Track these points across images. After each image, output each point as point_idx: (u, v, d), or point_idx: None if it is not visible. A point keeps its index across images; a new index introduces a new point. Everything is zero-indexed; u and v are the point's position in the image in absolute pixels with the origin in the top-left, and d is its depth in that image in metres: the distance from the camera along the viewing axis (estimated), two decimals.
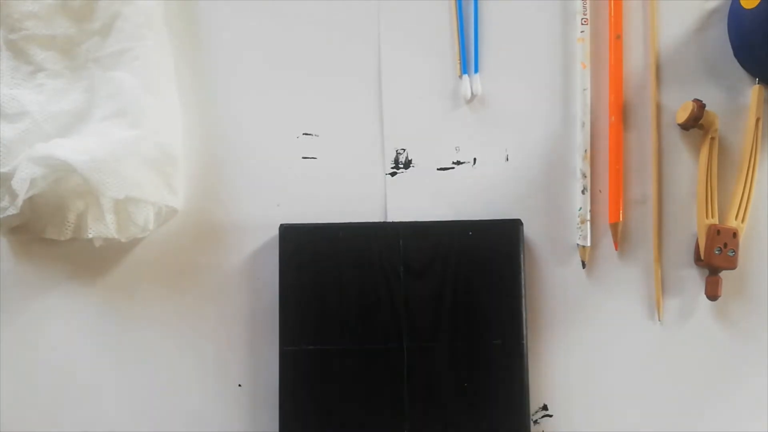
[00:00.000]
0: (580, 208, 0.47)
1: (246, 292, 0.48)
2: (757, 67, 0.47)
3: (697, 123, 0.46)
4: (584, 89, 0.48)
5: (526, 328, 0.46)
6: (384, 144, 0.49)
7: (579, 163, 0.48)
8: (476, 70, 0.49)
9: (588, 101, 0.48)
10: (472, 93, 0.49)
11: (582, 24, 0.48)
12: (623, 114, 0.48)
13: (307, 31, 0.49)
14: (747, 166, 0.47)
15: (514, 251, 0.46)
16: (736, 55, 0.48)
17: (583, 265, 0.48)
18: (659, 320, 0.48)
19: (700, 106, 0.46)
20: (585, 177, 0.47)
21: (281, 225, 0.46)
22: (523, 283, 0.46)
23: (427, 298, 0.45)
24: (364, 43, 0.49)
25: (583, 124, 0.48)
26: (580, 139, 0.48)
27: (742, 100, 0.49)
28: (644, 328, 0.48)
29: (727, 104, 0.49)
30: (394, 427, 0.45)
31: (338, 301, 0.45)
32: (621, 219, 0.47)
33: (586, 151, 0.48)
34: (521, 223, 0.46)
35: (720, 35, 0.49)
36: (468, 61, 0.49)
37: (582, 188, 0.47)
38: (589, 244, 0.47)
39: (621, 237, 0.48)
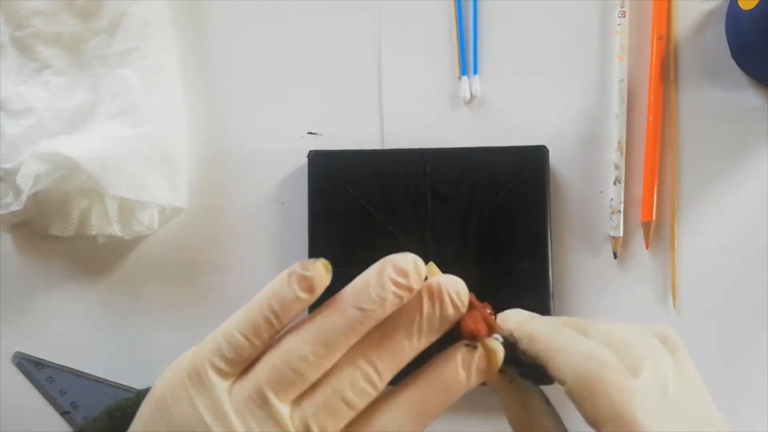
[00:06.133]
0: (612, 199, 0.48)
1: (248, 288, 0.48)
2: (755, 68, 0.47)
3: None
4: (620, 81, 0.48)
5: (552, 252, 0.46)
6: (384, 145, 0.49)
7: (613, 156, 0.48)
8: (475, 72, 0.49)
9: (625, 94, 0.48)
10: (471, 94, 0.49)
11: (619, 17, 0.49)
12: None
13: (309, 31, 0.50)
14: None
15: (540, 176, 0.46)
16: (733, 55, 0.48)
17: (615, 255, 0.48)
18: (674, 307, 0.47)
19: None
20: (618, 168, 0.48)
21: (310, 151, 0.47)
22: (548, 207, 0.46)
23: (454, 223, 0.46)
24: (364, 44, 0.50)
25: (617, 116, 0.48)
26: (615, 130, 0.48)
27: (739, 102, 0.48)
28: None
29: (724, 105, 0.48)
30: None
31: (366, 226, 0.46)
32: (654, 218, 0.47)
33: (619, 142, 0.48)
34: (547, 150, 0.47)
35: (718, 36, 0.49)
36: (467, 62, 0.49)
37: (614, 179, 0.48)
38: (621, 234, 0.47)
39: (653, 235, 0.48)
